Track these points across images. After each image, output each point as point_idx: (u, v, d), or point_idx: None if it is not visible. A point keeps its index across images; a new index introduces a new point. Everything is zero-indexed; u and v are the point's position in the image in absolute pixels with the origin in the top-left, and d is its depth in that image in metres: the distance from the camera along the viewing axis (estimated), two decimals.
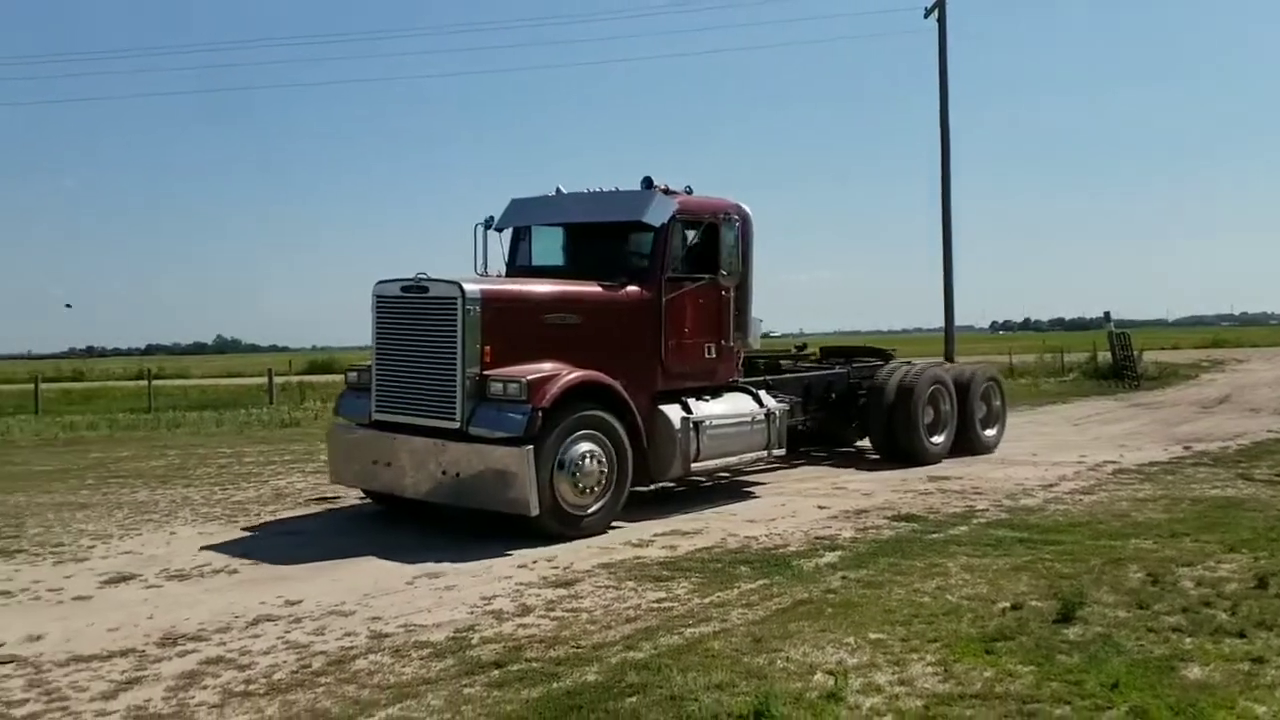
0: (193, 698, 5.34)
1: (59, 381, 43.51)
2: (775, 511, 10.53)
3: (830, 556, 8.35)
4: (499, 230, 11.67)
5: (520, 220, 11.69)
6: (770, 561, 8.19)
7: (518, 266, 11.64)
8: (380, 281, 9.87)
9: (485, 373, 9.14)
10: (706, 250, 10.77)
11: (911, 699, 5.13)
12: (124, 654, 6.09)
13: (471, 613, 6.90)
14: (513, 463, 8.79)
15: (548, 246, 11.76)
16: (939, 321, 29.26)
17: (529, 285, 10.29)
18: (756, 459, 11.52)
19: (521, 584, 7.67)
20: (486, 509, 9.11)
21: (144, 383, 33.03)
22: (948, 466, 13.59)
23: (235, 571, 8.19)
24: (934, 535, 9.12)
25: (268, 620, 6.78)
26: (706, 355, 10.92)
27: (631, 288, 10.35)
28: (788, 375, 13.57)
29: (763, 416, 11.31)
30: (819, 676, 5.44)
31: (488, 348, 9.19)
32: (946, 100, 31.77)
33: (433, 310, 9.37)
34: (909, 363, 14.76)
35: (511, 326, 9.42)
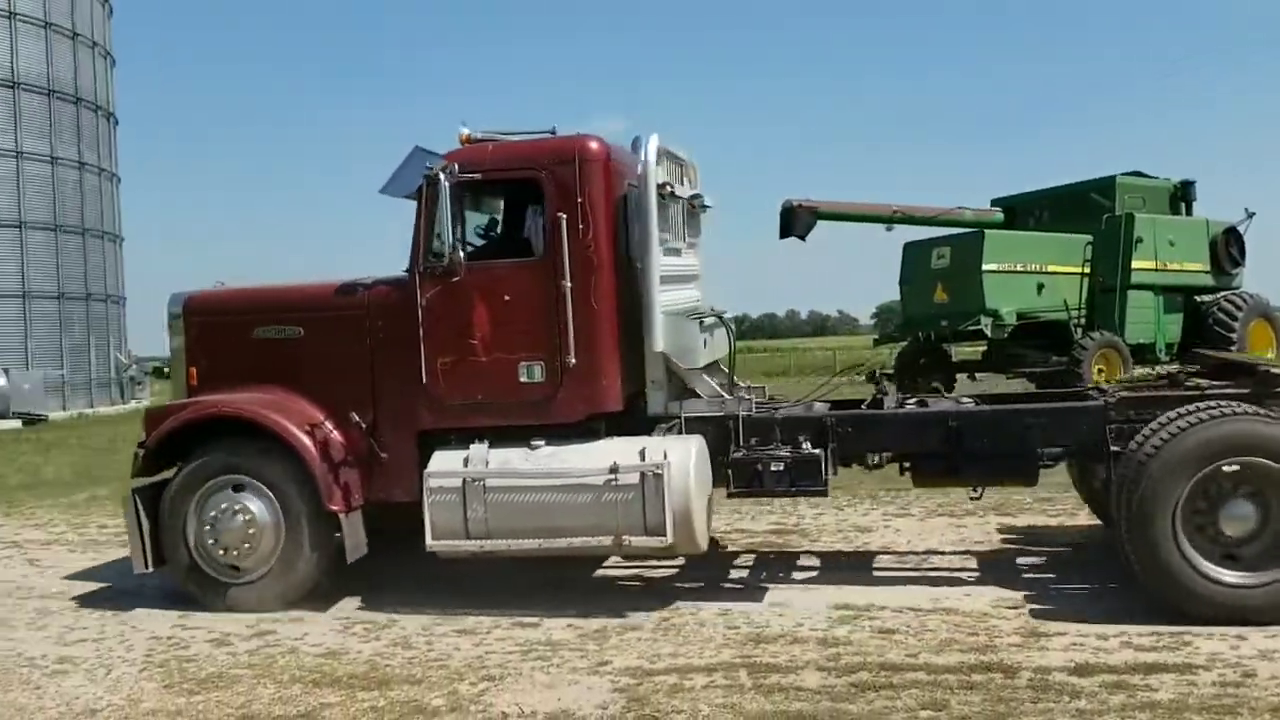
0: None
1: None
2: None
3: None
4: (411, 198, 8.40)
5: None
6: None
7: None
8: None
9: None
10: (518, 223, 8.21)
11: None
12: None
13: None
14: (126, 510, 7.87)
15: None
16: None
17: (241, 291, 8.54)
18: (598, 546, 7.17)
19: None
20: None
21: None
22: None
23: None
24: None
25: None
26: (521, 379, 7.37)
27: (379, 286, 7.70)
28: (911, 411, 7.60)
29: (627, 481, 6.95)
30: None
31: (192, 369, 8.08)
32: None
33: None
34: (1243, 397, 6.84)
35: (218, 344, 8.09)
